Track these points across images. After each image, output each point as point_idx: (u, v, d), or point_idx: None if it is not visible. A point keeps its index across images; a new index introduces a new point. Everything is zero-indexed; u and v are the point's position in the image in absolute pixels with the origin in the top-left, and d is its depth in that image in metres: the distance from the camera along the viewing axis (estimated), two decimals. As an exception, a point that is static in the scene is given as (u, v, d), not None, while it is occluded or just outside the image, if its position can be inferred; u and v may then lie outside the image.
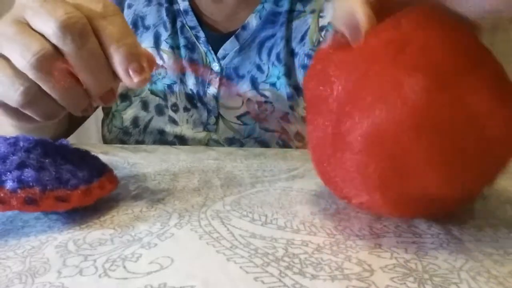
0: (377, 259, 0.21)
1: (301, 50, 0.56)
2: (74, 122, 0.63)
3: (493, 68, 0.23)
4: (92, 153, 0.31)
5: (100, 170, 0.29)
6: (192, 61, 0.58)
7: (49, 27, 0.23)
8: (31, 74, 0.24)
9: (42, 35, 0.23)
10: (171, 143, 0.58)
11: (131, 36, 0.25)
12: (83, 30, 0.23)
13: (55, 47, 0.24)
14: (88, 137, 1.24)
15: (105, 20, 0.25)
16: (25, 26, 0.24)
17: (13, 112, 0.26)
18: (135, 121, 0.59)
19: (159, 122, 0.59)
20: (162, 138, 0.59)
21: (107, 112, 0.63)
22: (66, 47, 0.23)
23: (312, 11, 0.56)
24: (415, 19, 0.23)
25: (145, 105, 0.59)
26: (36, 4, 0.24)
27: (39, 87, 0.24)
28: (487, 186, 0.24)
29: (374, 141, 0.21)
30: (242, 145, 0.58)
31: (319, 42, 0.57)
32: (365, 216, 0.26)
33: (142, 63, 0.25)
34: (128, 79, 0.25)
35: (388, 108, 0.21)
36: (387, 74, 0.22)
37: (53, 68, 0.23)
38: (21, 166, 0.24)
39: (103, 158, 0.31)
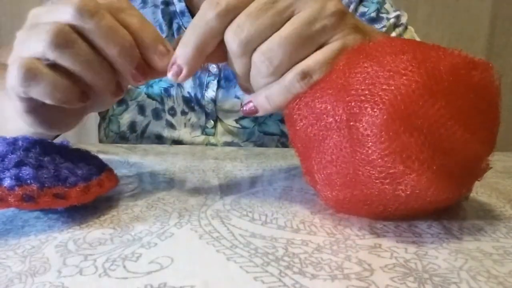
0: (377, 259, 0.21)
1: None
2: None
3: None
4: (92, 153, 0.31)
5: (100, 168, 0.29)
6: None
7: (67, 13, 0.24)
8: (50, 54, 0.25)
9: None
10: None
11: (150, 24, 0.27)
12: (97, 7, 0.25)
13: (75, 31, 0.25)
14: (88, 137, 1.24)
15: (124, 13, 0.26)
16: (39, 23, 0.25)
17: (41, 118, 0.28)
18: (132, 125, 0.59)
19: (156, 127, 0.58)
20: (159, 143, 0.58)
21: (103, 116, 0.62)
22: (87, 24, 0.25)
23: None
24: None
25: (141, 109, 0.59)
26: (47, 7, 0.26)
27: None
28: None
29: (398, 121, 0.21)
30: None
31: None
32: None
33: (166, 45, 0.28)
34: (158, 62, 0.27)
35: (395, 85, 0.22)
36: (376, 64, 0.23)
37: (74, 43, 0.25)
38: (19, 164, 0.24)
39: (102, 157, 0.31)
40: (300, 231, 0.24)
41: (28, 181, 0.23)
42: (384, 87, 0.22)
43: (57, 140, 0.32)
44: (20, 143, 0.26)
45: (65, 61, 0.25)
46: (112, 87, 0.28)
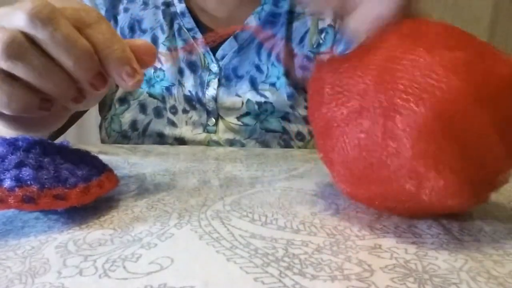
0: (377, 259, 0.21)
1: (300, 51, 0.56)
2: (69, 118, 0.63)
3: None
4: (92, 153, 0.31)
5: (100, 169, 0.29)
6: (186, 43, 0.58)
7: (20, 19, 0.23)
8: (3, 64, 0.23)
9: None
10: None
11: (118, 41, 0.26)
12: (52, 13, 0.23)
13: (28, 39, 0.23)
14: (88, 137, 1.24)
15: (90, 29, 0.25)
16: None
17: (9, 119, 0.27)
18: (133, 124, 0.59)
19: (158, 125, 0.59)
20: (161, 141, 0.59)
21: (104, 115, 0.62)
22: (39, 33, 0.23)
23: (312, 13, 0.56)
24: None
25: (143, 108, 0.59)
26: (4, 9, 0.24)
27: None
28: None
29: (440, 124, 0.21)
30: (243, 146, 0.58)
31: (318, 44, 0.57)
32: (365, 216, 0.26)
33: (133, 65, 0.26)
34: (123, 83, 0.26)
35: (446, 83, 0.21)
36: (429, 55, 0.22)
37: (26, 53, 0.23)
38: (19, 165, 0.24)
39: (103, 158, 0.31)
40: (300, 231, 0.24)
41: (28, 182, 0.23)
42: (432, 83, 0.21)
43: (57, 141, 0.32)
44: (20, 143, 0.26)
45: (18, 72, 0.24)
46: (71, 94, 0.26)
